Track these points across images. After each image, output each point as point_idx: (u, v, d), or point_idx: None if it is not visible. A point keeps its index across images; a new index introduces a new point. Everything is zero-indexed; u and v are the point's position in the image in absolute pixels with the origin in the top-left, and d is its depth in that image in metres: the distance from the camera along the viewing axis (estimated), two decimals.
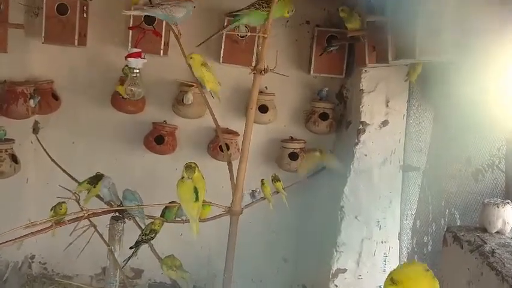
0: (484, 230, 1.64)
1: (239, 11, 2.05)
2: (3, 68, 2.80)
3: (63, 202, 2.04)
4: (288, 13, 2.05)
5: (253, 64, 2.63)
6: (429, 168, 2.41)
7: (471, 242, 1.54)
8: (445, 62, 2.07)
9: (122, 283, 2.31)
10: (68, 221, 2.02)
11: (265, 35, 1.91)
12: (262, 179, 2.61)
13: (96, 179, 2.35)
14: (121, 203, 2.22)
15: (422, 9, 1.92)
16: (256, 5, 1.98)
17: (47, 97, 3.07)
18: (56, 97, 3.15)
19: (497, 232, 1.62)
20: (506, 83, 1.80)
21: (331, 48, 2.93)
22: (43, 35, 2.80)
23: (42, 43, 2.83)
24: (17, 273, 3.28)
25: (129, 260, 2.27)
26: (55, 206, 2.06)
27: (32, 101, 2.88)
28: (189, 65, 2.09)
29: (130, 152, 3.24)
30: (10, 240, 1.86)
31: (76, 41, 2.82)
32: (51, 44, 2.85)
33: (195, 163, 1.85)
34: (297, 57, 3.03)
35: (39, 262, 3.44)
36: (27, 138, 3.14)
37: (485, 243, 1.52)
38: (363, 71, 2.79)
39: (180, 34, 2.12)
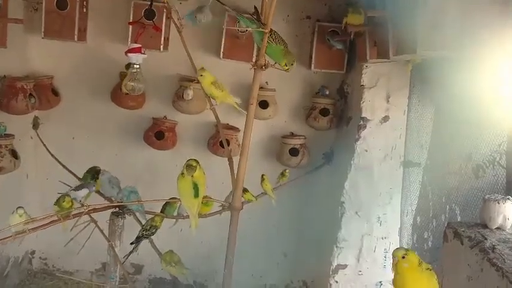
0: (485, 226, 1.63)
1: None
2: (3, 63, 2.79)
3: (67, 195, 2.03)
4: (285, 65, 1.93)
5: (254, 59, 2.62)
6: (430, 164, 2.40)
7: (471, 238, 1.54)
8: (446, 58, 2.06)
9: (122, 278, 2.31)
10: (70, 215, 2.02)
11: (266, 31, 1.89)
12: (263, 175, 2.60)
13: (96, 173, 2.35)
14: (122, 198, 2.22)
15: (424, 4, 1.91)
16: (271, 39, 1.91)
17: (46, 93, 3.07)
18: (55, 93, 3.14)
19: (498, 228, 1.61)
20: (507, 79, 1.79)
21: (338, 47, 2.92)
22: (43, 30, 2.79)
23: (42, 38, 2.82)
24: (18, 268, 3.28)
25: (129, 255, 2.27)
26: (59, 198, 2.03)
27: (33, 99, 2.89)
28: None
29: (130, 147, 3.24)
30: (10, 236, 1.87)
31: (76, 36, 2.81)
32: (50, 39, 2.84)
33: (196, 161, 1.83)
34: (298, 53, 3.02)
35: (40, 257, 3.44)
36: (27, 133, 3.14)
37: (486, 239, 1.52)
38: (364, 66, 2.78)
39: (182, 26, 2.10)
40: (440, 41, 1.90)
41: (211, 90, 2.08)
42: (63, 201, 1.99)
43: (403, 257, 1.30)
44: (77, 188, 2.13)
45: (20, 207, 1.92)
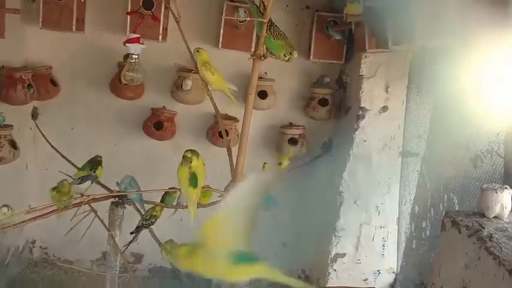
0: (482, 215, 1.64)
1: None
2: (0, 53, 2.78)
3: (65, 180, 2.03)
4: (284, 55, 1.88)
5: (253, 49, 2.61)
6: (428, 154, 2.41)
7: (469, 226, 1.55)
8: (445, 47, 2.06)
9: (122, 267, 2.32)
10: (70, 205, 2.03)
11: (265, 20, 1.89)
12: (264, 163, 2.61)
13: (95, 163, 2.35)
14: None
15: None
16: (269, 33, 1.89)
17: (45, 83, 3.06)
18: (54, 83, 3.14)
19: (495, 217, 1.62)
20: (506, 68, 1.79)
21: (336, 37, 2.91)
22: (40, 20, 2.77)
23: (40, 28, 2.80)
24: (18, 257, 3.30)
25: (129, 244, 2.28)
26: (57, 185, 2.01)
27: (31, 89, 2.88)
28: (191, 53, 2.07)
29: (129, 137, 3.24)
30: (12, 225, 1.88)
31: (74, 27, 2.79)
32: (48, 29, 2.83)
33: (192, 152, 1.82)
34: (297, 43, 3.01)
35: (40, 247, 3.46)
36: (26, 124, 3.13)
37: (483, 228, 1.53)
38: (363, 56, 2.77)
39: (180, 17, 2.10)
40: (440, 30, 1.89)
41: (202, 71, 2.07)
42: (62, 186, 1.99)
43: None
44: (81, 181, 2.13)
45: (4, 205, 1.93)
